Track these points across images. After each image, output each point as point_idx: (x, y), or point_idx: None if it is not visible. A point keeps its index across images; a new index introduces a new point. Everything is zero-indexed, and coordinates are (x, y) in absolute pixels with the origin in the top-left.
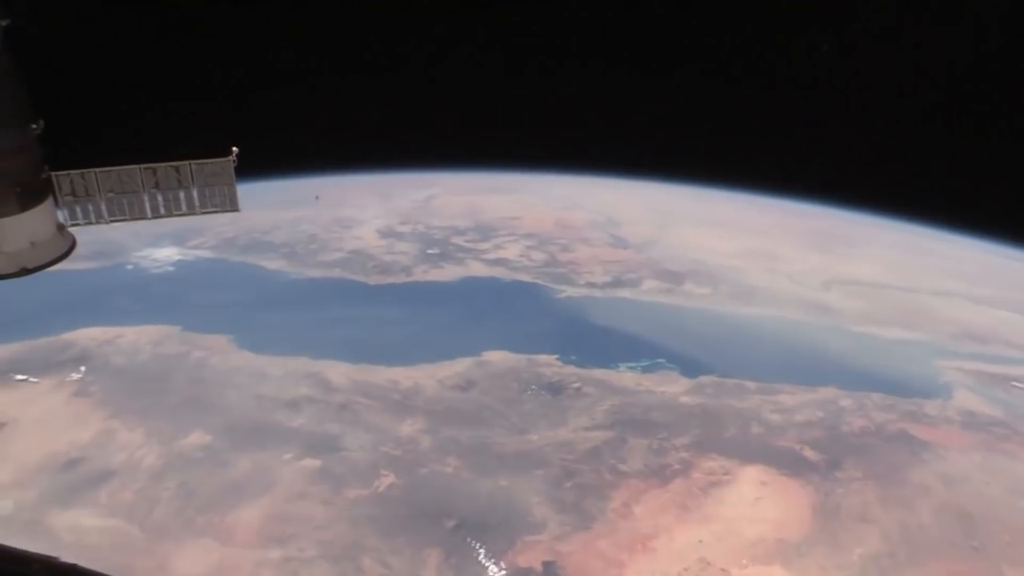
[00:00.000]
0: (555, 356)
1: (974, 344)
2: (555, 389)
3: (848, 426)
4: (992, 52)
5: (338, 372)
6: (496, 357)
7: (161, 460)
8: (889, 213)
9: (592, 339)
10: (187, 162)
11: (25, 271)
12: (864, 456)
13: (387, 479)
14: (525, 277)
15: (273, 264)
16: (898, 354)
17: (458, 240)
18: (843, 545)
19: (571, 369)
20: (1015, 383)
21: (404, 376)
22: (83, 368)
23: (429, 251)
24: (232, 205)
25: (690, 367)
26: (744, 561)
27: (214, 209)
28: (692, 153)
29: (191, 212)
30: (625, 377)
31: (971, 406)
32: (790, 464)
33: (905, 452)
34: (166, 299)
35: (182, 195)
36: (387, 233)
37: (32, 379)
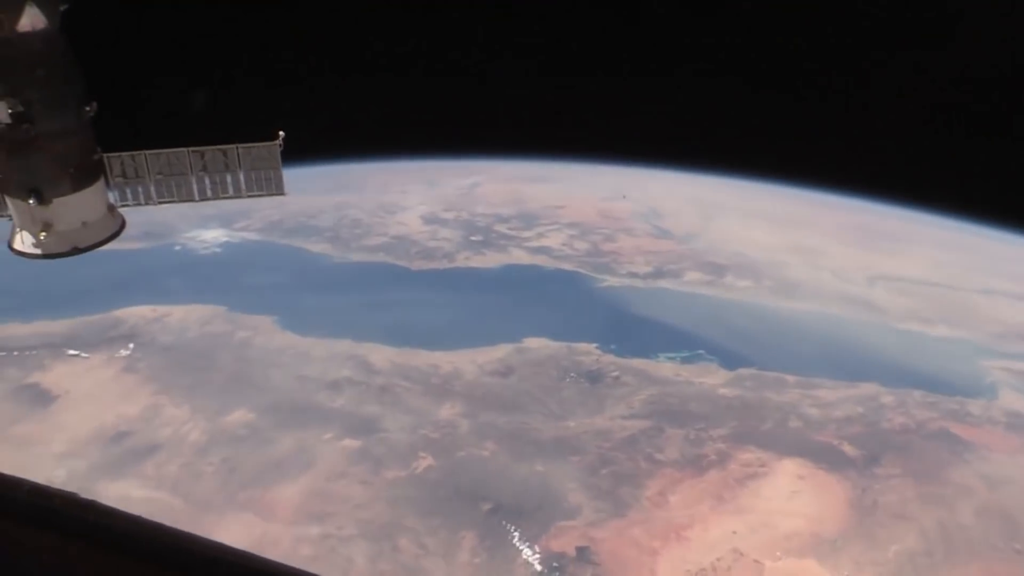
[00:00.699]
0: (595, 345)
1: (1021, 344)
2: (594, 377)
3: (888, 423)
4: None
5: (379, 355)
6: (536, 344)
7: (205, 436)
8: (935, 209)
9: (632, 329)
10: (234, 146)
11: (77, 250)
12: (904, 453)
13: (425, 461)
14: (567, 266)
15: (317, 247)
16: (942, 352)
17: (501, 228)
18: (879, 542)
19: (610, 358)
20: None
21: (444, 360)
22: (132, 345)
23: (472, 238)
24: (278, 189)
25: (730, 359)
26: (778, 553)
27: (260, 192)
28: (736, 146)
29: (238, 195)
30: (664, 367)
31: (1017, 407)
32: (828, 459)
33: (946, 451)
34: (213, 280)
35: (229, 178)
36: (431, 219)
37: (84, 354)
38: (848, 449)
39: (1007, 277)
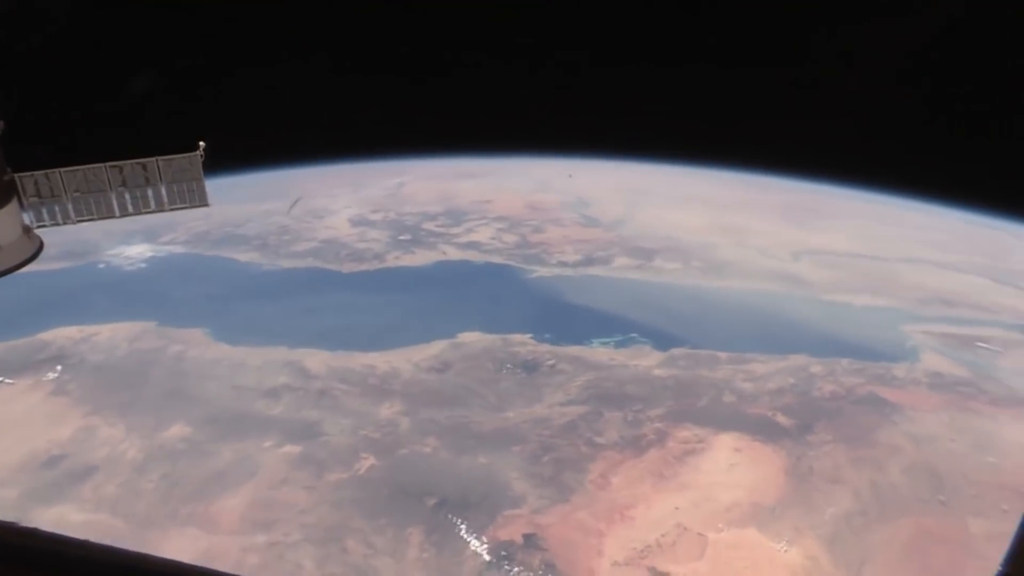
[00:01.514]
0: (529, 335)
1: (941, 308)
2: (530, 367)
3: (819, 391)
4: (955, 23)
5: (315, 360)
6: (471, 338)
7: (143, 453)
8: (856, 184)
9: (565, 317)
10: (154, 159)
11: None
12: (835, 419)
13: (367, 461)
14: (497, 259)
15: (246, 256)
16: (867, 320)
17: (430, 225)
18: (816, 506)
19: (545, 347)
20: (980, 343)
21: (381, 361)
22: (59, 367)
23: (401, 237)
24: (202, 200)
25: (662, 340)
26: (720, 525)
27: (184, 205)
28: (660, 132)
29: (160, 209)
30: (599, 353)
31: (938, 367)
32: (763, 430)
33: (875, 414)
34: (141, 295)
35: (150, 192)
36: (359, 221)
37: (8, 380)
38: (782, 419)
39: (927, 245)
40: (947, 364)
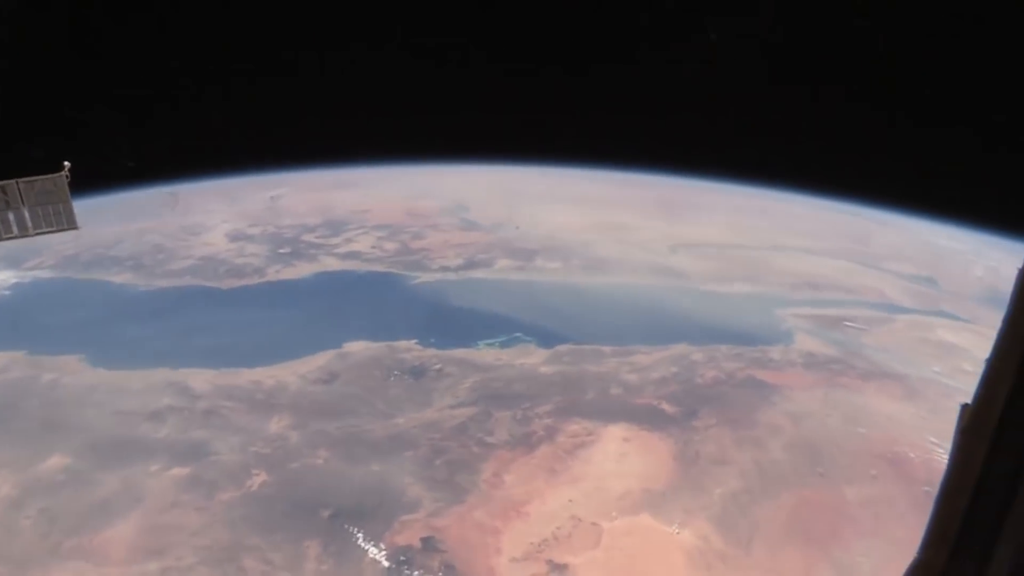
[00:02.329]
0: (415, 341)
1: (811, 292)
2: (417, 372)
3: (701, 378)
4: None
5: (199, 379)
6: (357, 348)
7: (18, 489)
8: (726, 178)
9: (450, 321)
10: (13, 181)
11: None
12: (717, 404)
13: (259, 478)
14: (379, 267)
15: (120, 278)
16: (743, 307)
17: (309, 237)
18: (704, 487)
19: (431, 352)
20: (847, 323)
21: (267, 376)
22: None
23: (281, 251)
24: (70, 223)
25: (547, 338)
26: (613, 514)
27: (51, 229)
28: (536, 133)
29: (25, 234)
30: (485, 354)
31: (811, 348)
32: (650, 419)
33: (754, 396)
34: (5, 325)
35: (11, 216)
36: (237, 236)
37: None
38: (667, 407)
39: (795, 234)
40: (818, 344)
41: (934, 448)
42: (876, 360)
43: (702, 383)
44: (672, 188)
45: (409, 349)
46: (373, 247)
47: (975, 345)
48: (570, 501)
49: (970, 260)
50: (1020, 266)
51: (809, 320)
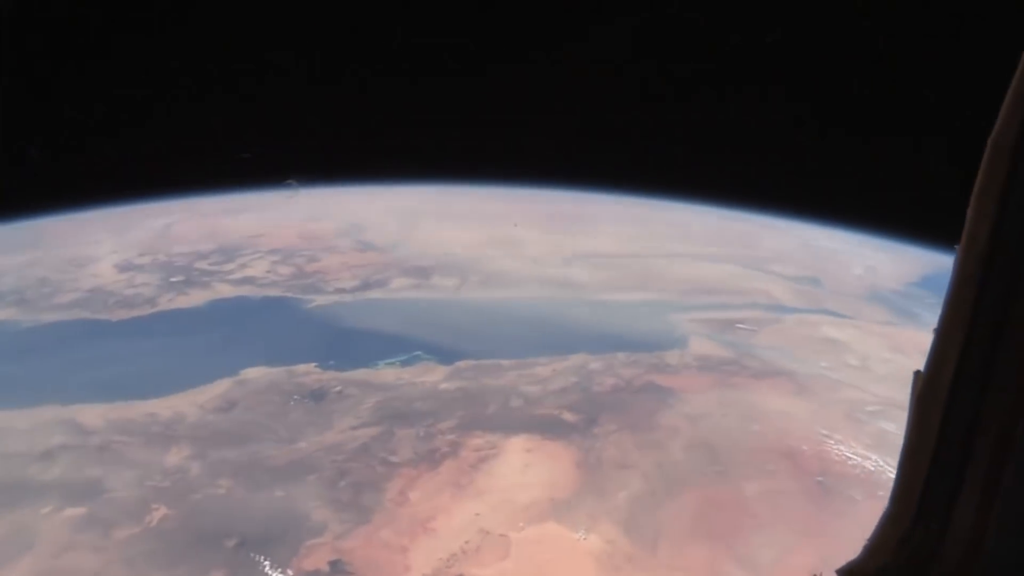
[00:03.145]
0: (313, 364)
1: (703, 296)
2: (318, 395)
3: (600, 386)
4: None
5: (91, 414)
6: (255, 374)
7: None
8: (615, 189)
9: (348, 342)
10: None
11: None
12: (617, 410)
13: (159, 512)
14: (274, 292)
15: (2, 314)
16: (638, 315)
17: (202, 264)
18: (609, 492)
19: (331, 374)
20: (739, 325)
21: (162, 407)
22: None
23: (173, 279)
24: None
25: (446, 355)
26: (520, 524)
27: None
28: (431, 151)
29: None
30: (385, 374)
31: (705, 351)
32: (551, 429)
33: (653, 400)
34: None
35: None
36: (126, 266)
37: None
38: (568, 416)
39: (685, 240)
40: (712, 347)
41: (824, 440)
42: (767, 359)
43: (601, 391)
44: (565, 201)
45: (308, 372)
46: (268, 272)
47: (857, 340)
48: (477, 514)
49: (850, 260)
50: (958, 245)
51: (702, 324)
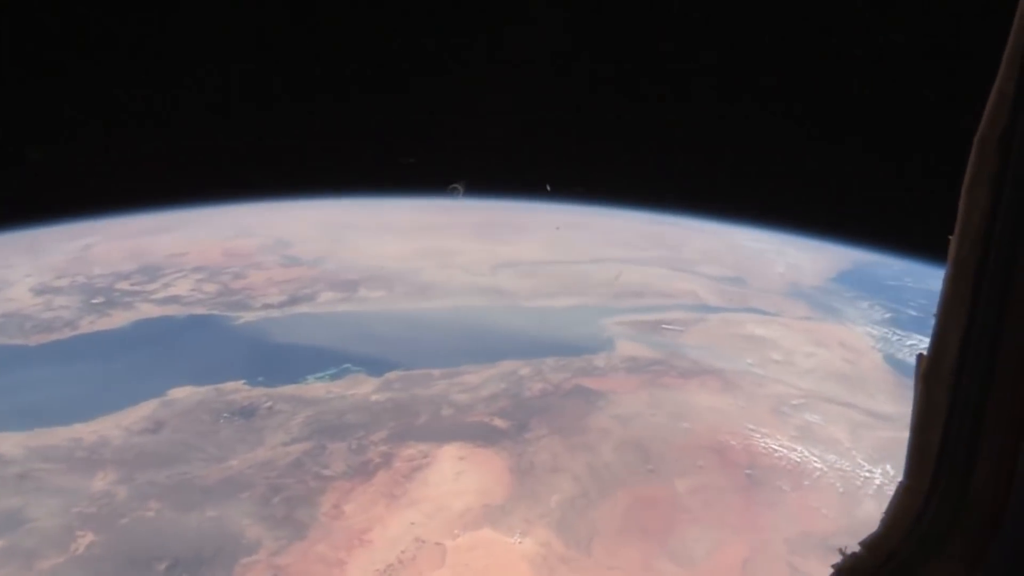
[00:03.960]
0: (242, 381)
1: (630, 299)
2: (247, 412)
3: (529, 391)
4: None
5: (9, 443)
6: (182, 394)
7: None
8: (540, 197)
9: (277, 358)
10: None
11: None
12: (547, 415)
13: (85, 539)
14: (200, 310)
15: None
16: (566, 320)
17: (123, 285)
18: (541, 496)
19: (260, 390)
20: (665, 326)
21: (86, 432)
22: None
23: (93, 301)
24: None
25: (376, 367)
26: (456, 531)
27: None
28: (350, 165)
29: None
30: (315, 388)
31: (633, 352)
32: (483, 436)
33: (582, 403)
34: None
35: None
36: (43, 290)
37: None
38: (499, 423)
39: (611, 245)
40: (640, 348)
41: (752, 434)
42: (694, 358)
43: (531, 396)
44: (491, 211)
45: (237, 390)
46: (192, 290)
47: (781, 336)
48: (412, 524)
49: (773, 258)
50: (952, 236)
51: (630, 326)
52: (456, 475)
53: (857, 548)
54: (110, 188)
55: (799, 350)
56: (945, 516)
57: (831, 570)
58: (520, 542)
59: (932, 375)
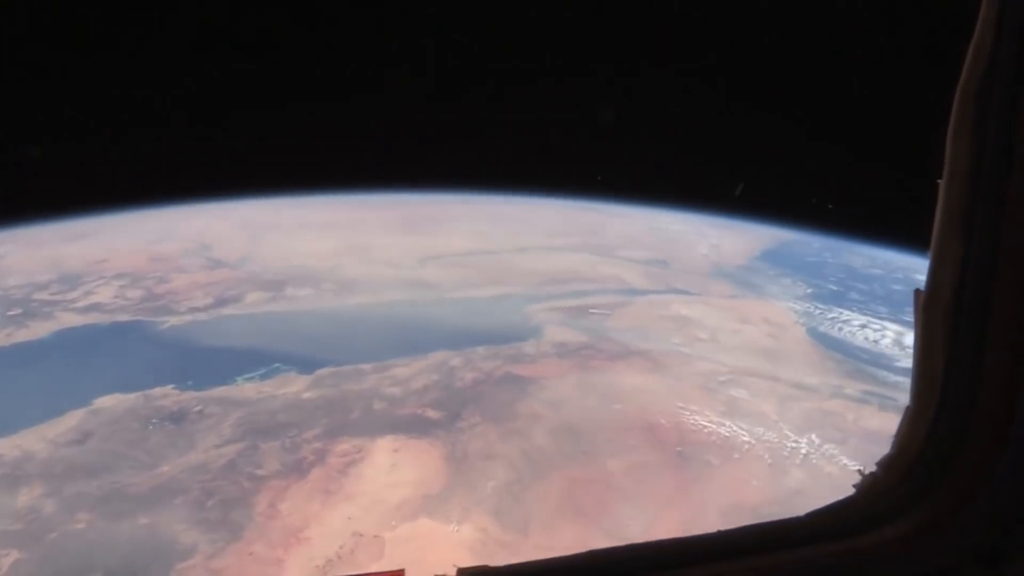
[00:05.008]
0: (171, 386)
1: (556, 286)
2: (177, 417)
3: (461, 381)
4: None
5: None
6: (109, 402)
7: None
8: (466, 188)
9: (205, 361)
10: None
11: None
12: (479, 403)
13: (10, 557)
14: (124, 317)
15: None
16: (494, 309)
17: (42, 295)
18: (477, 483)
19: (190, 394)
20: (592, 310)
21: (8, 447)
22: None
23: (10, 312)
24: None
25: (306, 365)
26: (393, 523)
27: None
28: (272, 164)
29: None
30: (245, 389)
31: (561, 338)
32: (416, 427)
33: (514, 390)
34: None
35: None
36: None
37: None
38: (432, 414)
39: (535, 234)
40: (568, 333)
41: (681, 411)
42: (622, 340)
43: (462, 386)
44: (414, 204)
45: (166, 395)
46: (115, 297)
47: (706, 315)
48: (349, 518)
49: (696, 240)
50: (939, 180)
51: (557, 313)
52: (391, 467)
53: (875, 468)
54: (21, 197)
55: (724, 328)
56: (954, 436)
57: (852, 489)
58: (458, 529)
59: (931, 306)
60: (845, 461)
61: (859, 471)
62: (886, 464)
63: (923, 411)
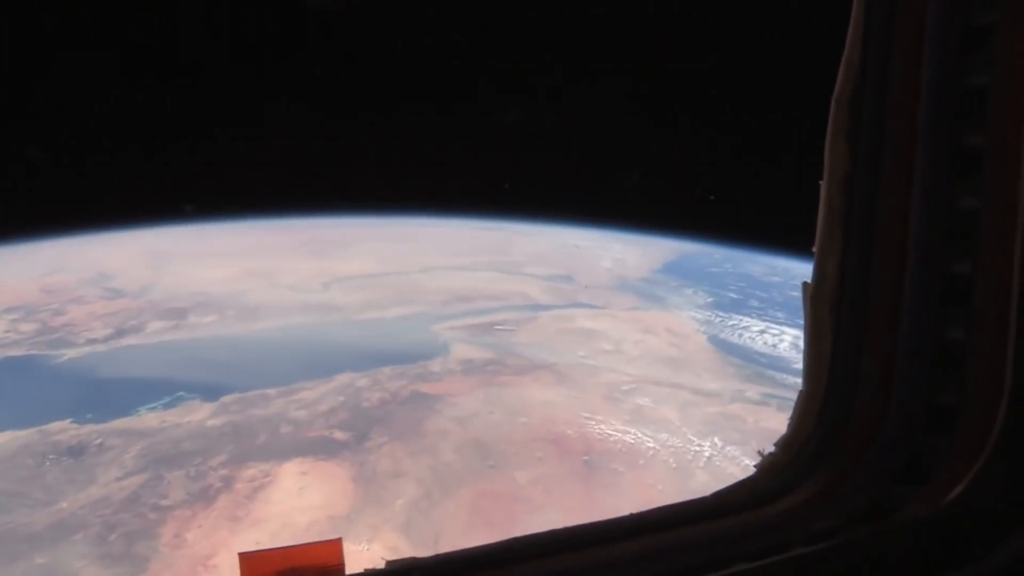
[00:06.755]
0: (69, 420)
1: (461, 304)
2: (76, 452)
3: (368, 402)
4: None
5: None
6: (1, 440)
7: None
8: (366, 212)
9: (105, 393)
10: None
11: None
12: (387, 423)
13: None
14: (16, 352)
15: None
16: (399, 329)
17: None
18: (386, 501)
19: (89, 427)
20: (498, 327)
21: None
22: None
23: None
24: None
25: (210, 392)
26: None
27: None
28: (171, 192)
29: None
30: (147, 419)
31: (467, 355)
32: (323, 449)
33: (421, 409)
34: None
35: None
36: None
37: None
38: (339, 435)
39: (439, 254)
40: (474, 351)
41: (587, 422)
42: (527, 355)
43: (369, 406)
44: (316, 228)
45: (63, 430)
46: (7, 331)
47: (610, 327)
48: (257, 543)
49: (598, 255)
50: (821, 181)
51: (463, 330)
52: (299, 490)
53: (773, 448)
54: None
55: (628, 339)
56: (841, 413)
57: (753, 469)
58: (368, 548)
59: (817, 296)
60: (747, 462)
61: (759, 452)
62: (783, 443)
63: (814, 392)
